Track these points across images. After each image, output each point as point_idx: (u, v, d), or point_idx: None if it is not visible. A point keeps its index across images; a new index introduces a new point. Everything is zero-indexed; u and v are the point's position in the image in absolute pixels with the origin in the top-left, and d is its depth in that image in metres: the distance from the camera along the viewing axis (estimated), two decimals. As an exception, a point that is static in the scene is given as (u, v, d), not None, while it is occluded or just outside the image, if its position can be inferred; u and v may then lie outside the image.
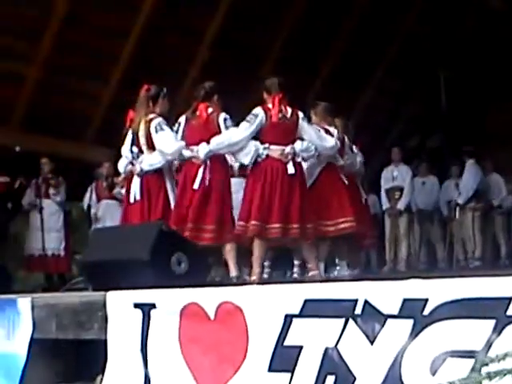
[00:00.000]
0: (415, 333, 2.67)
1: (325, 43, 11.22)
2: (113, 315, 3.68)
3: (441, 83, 12.61)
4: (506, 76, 12.44)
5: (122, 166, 6.21)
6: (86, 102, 9.96)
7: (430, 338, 2.64)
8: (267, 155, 5.74)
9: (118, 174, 8.92)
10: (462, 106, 12.66)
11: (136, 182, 5.87)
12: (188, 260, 3.93)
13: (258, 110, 5.84)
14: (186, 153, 5.85)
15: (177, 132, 5.96)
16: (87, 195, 9.41)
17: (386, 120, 12.84)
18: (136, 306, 3.58)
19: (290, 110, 5.87)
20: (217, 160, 5.87)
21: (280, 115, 5.80)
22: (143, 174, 5.84)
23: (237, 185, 6.27)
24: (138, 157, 5.92)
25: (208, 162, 5.78)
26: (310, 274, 5.80)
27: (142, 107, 5.94)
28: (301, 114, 5.92)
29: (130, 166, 6.00)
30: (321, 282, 3.25)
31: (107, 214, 8.93)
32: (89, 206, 9.31)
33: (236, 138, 5.74)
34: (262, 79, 6.38)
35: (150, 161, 5.84)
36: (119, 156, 6.32)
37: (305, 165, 6.08)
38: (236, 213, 5.88)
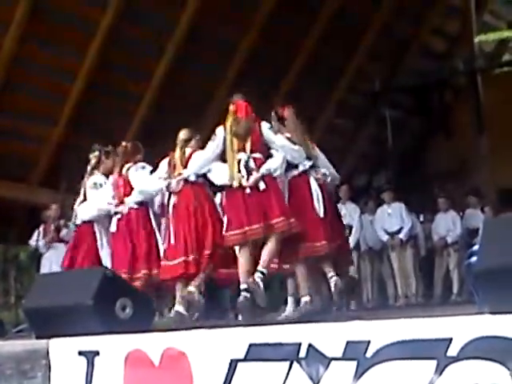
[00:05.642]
0: (359, 374, 2.69)
1: (273, 81, 11.34)
2: (56, 363, 3.62)
3: (387, 123, 12.86)
4: (446, 117, 12.81)
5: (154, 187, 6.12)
6: (32, 143, 9.84)
7: (373, 380, 2.66)
8: None
9: (64, 216, 8.87)
10: (406, 145, 12.91)
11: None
12: (133, 305, 3.88)
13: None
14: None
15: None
16: (34, 237, 9.25)
17: (335, 158, 12.97)
18: (80, 353, 3.53)
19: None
20: None
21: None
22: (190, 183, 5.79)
23: None
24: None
25: None
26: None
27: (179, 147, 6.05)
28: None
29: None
30: (265, 325, 3.24)
31: (54, 257, 8.77)
32: (36, 248, 9.16)
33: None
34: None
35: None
36: (72, 198, 6.23)
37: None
38: None
